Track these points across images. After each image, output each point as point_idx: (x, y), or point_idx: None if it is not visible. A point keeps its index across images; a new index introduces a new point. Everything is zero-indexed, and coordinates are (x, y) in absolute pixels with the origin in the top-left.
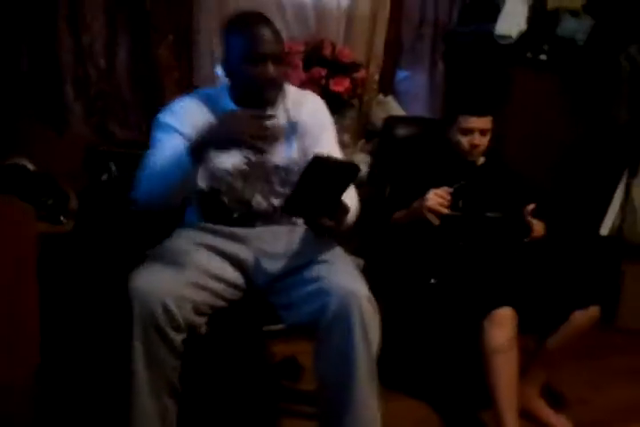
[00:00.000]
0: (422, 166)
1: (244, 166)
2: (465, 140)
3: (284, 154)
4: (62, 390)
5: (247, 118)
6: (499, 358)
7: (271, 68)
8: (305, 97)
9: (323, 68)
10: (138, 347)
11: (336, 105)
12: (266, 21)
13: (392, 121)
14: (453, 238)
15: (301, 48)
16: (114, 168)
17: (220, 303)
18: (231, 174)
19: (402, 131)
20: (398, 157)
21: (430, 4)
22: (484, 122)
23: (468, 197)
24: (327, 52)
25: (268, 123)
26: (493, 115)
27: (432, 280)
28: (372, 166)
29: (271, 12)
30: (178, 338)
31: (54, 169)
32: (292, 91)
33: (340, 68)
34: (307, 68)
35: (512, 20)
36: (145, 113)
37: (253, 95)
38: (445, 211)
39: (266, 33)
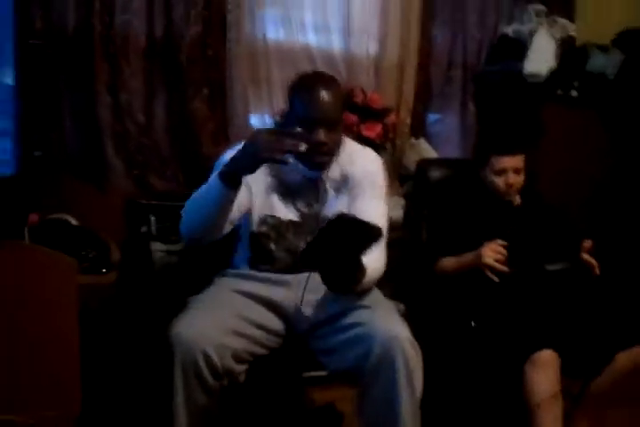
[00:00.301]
0: (459, 208)
1: (297, 218)
2: (500, 181)
3: (333, 207)
4: None
5: (269, 135)
6: (543, 406)
7: (322, 134)
8: (361, 152)
9: (354, 114)
10: (179, 394)
11: None
12: (327, 85)
13: (425, 163)
14: (517, 296)
15: None
16: (153, 219)
17: (261, 351)
18: (283, 223)
19: (435, 173)
20: (433, 199)
21: (458, 47)
22: (516, 161)
23: (521, 247)
24: (358, 99)
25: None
26: (525, 153)
27: (472, 323)
28: (406, 209)
29: (302, 62)
30: (217, 385)
31: (96, 223)
32: (349, 145)
33: (371, 113)
34: None
35: (541, 58)
36: (182, 165)
37: (304, 159)
38: (505, 269)
39: (322, 98)
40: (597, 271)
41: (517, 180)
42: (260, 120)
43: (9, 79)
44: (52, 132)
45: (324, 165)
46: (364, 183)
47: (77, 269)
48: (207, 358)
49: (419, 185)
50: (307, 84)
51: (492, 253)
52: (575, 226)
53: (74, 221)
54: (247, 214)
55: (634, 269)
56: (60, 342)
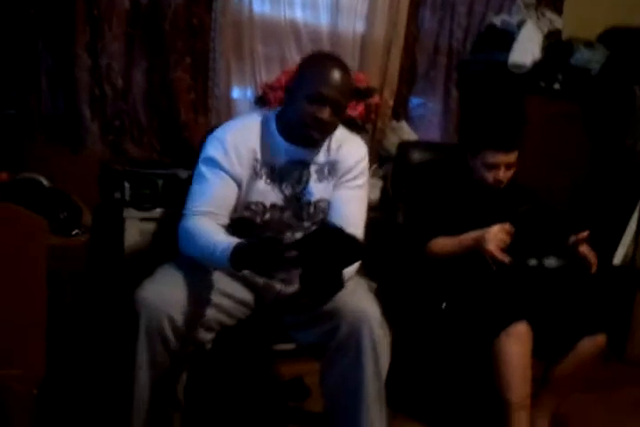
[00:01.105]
0: (441, 191)
1: (280, 202)
2: (489, 175)
3: (315, 191)
4: (66, 401)
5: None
6: (514, 385)
7: (327, 113)
8: (350, 140)
9: None
10: (143, 357)
11: (350, 129)
12: (344, 70)
13: (406, 146)
14: (511, 288)
15: None
16: (127, 186)
17: (228, 320)
18: (267, 208)
19: (416, 155)
20: (414, 181)
21: (445, 33)
22: (510, 157)
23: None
24: None
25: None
26: (519, 149)
27: (443, 305)
28: (383, 190)
29: (287, 37)
30: (183, 351)
31: (69, 186)
32: (340, 132)
33: (354, 93)
34: None
35: (526, 50)
36: (159, 133)
37: (300, 131)
38: (506, 260)
39: (337, 79)
40: (594, 269)
41: (507, 175)
42: (241, 93)
43: None
44: (29, 92)
45: (315, 142)
46: (349, 173)
47: (47, 229)
48: (172, 322)
49: (399, 166)
50: (324, 62)
51: (497, 239)
52: (565, 216)
53: (46, 182)
54: None
55: (606, 260)
56: (27, 300)
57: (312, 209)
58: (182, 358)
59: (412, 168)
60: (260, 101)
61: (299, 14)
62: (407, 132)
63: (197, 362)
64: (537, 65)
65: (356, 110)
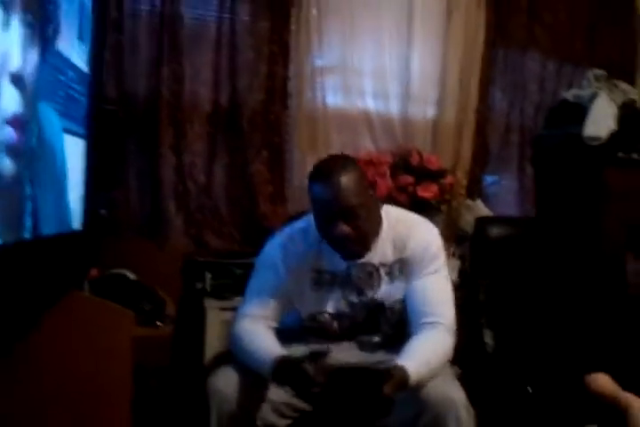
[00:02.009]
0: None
1: (347, 309)
2: None
3: (390, 293)
4: None
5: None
6: None
7: (342, 227)
8: (415, 230)
9: (410, 175)
10: None
11: (424, 211)
12: (338, 173)
13: (483, 221)
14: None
15: (388, 158)
16: (209, 276)
17: (302, 405)
18: (334, 317)
19: (495, 231)
20: (493, 259)
21: (516, 111)
22: None
23: None
24: (414, 160)
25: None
26: None
27: (529, 389)
28: (461, 271)
29: (360, 127)
30: None
31: (154, 279)
32: (402, 224)
33: (427, 174)
34: (394, 176)
35: (601, 121)
36: (239, 224)
37: (340, 251)
38: None
39: (334, 190)
40: None
41: None
42: None
43: (83, 140)
44: (117, 191)
45: (357, 254)
46: (420, 264)
47: (133, 321)
48: (242, 407)
49: (477, 243)
50: (317, 178)
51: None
52: None
53: (132, 276)
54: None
55: None
56: (114, 391)
57: (389, 313)
58: None
59: (491, 244)
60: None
61: (370, 104)
62: (482, 211)
63: None
64: (614, 136)
65: (429, 191)
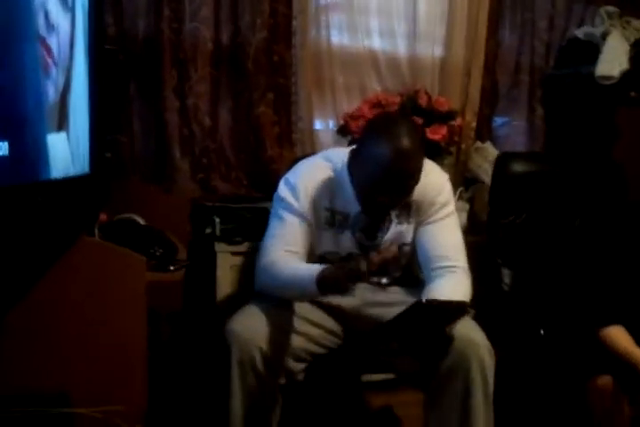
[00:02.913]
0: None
1: (357, 251)
2: None
3: (397, 236)
4: None
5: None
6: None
7: (388, 200)
8: (427, 172)
9: (419, 117)
10: (236, 387)
11: (434, 153)
12: (413, 149)
13: (507, 157)
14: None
15: (397, 99)
16: (218, 221)
17: (319, 350)
18: (344, 258)
19: (518, 167)
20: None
21: (526, 50)
22: None
23: None
24: (423, 101)
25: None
26: None
27: (541, 331)
28: (470, 214)
29: (366, 66)
30: (275, 381)
31: (162, 224)
32: None
33: (436, 116)
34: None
35: (613, 60)
36: (246, 168)
37: (365, 206)
38: None
39: (400, 179)
40: None
41: None
42: (324, 124)
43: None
44: (122, 135)
45: (384, 217)
46: (431, 209)
47: (145, 266)
48: (262, 352)
49: (499, 180)
50: (391, 155)
51: None
52: None
53: (141, 221)
54: None
55: None
56: (129, 337)
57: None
58: (274, 389)
59: (513, 180)
60: (343, 131)
61: (377, 43)
62: (492, 153)
63: (290, 394)
64: (626, 75)
65: (438, 134)
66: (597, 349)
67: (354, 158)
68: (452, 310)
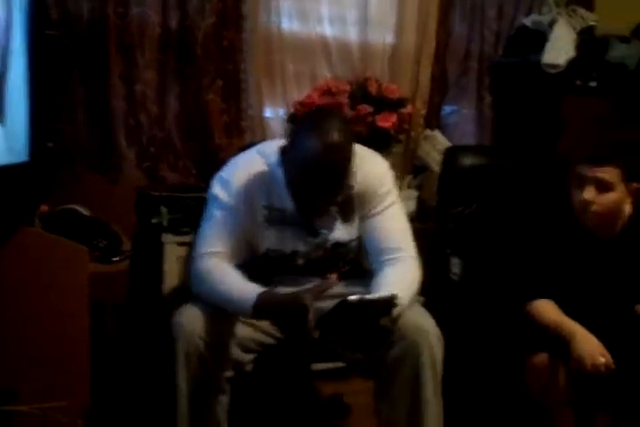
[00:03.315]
0: (534, 219)
1: (302, 248)
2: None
3: (343, 231)
4: None
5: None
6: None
7: (321, 198)
8: (362, 164)
9: (369, 104)
10: (182, 385)
11: (383, 141)
12: (339, 142)
13: (454, 150)
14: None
15: (347, 87)
16: (165, 211)
17: (268, 340)
18: (286, 254)
19: (467, 160)
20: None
21: (476, 38)
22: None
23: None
24: (373, 89)
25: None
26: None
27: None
28: (419, 201)
29: (317, 53)
30: (221, 373)
31: (108, 214)
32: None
33: (386, 104)
34: (353, 105)
35: (560, 49)
36: (194, 157)
37: (300, 203)
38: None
39: (330, 174)
40: None
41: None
42: (274, 112)
43: (22, 69)
44: (66, 123)
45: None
46: (375, 200)
47: (88, 257)
48: (208, 344)
49: (447, 172)
50: (318, 149)
51: (594, 358)
52: None
53: (85, 212)
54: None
55: None
56: (71, 329)
57: (344, 251)
58: (221, 380)
59: (462, 173)
60: (293, 119)
61: (327, 30)
62: (441, 142)
63: (239, 384)
64: (572, 63)
65: (388, 121)
66: (532, 326)
67: (284, 155)
68: (380, 306)
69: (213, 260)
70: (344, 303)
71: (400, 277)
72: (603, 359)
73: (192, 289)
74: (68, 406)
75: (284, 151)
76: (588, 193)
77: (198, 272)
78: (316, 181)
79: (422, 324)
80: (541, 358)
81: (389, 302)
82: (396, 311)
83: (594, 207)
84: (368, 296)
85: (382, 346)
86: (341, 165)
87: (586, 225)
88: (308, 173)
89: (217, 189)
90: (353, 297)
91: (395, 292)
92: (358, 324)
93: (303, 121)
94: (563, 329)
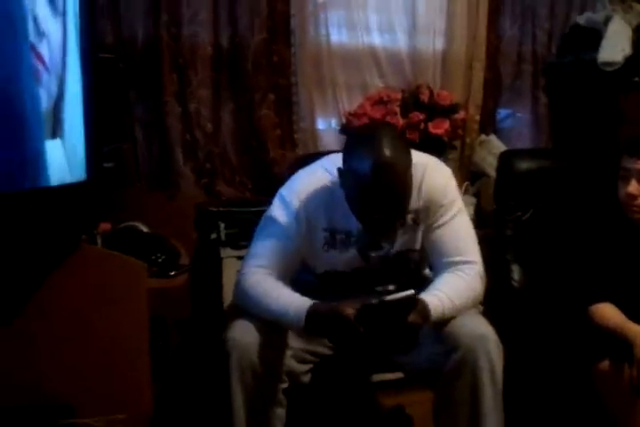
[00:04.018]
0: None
1: (361, 264)
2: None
3: (404, 245)
4: None
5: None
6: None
7: (385, 218)
8: (426, 174)
9: (421, 112)
10: (238, 398)
11: (437, 148)
12: (393, 173)
13: (509, 154)
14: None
15: (398, 95)
16: (222, 226)
17: (324, 350)
18: (347, 274)
19: (523, 165)
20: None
21: (527, 39)
22: None
23: None
24: (424, 96)
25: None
26: None
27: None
28: (477, 208)
29: (366, 62)
30: (277, 385)
31: (167, 230)
32: (414, 169)
33: (438, 111)
34: (405, 113)
35: (616, 46)
36: (250, 172)
37: (365, 224)
38: None
39: (390, 195)
40: None
41: None
42: (326, 123)
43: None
44: (124, 143)
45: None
46: (440, 211)
47: (146, 272)
48: (262, 359)
49: (503, 177)
50: (374, 175)
51: None
52: None
53: (145, 229)
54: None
55: None
56: (131, 343)
57: (405, 263)
58: (277, 392)
59: (518, 178)
60: (345, 130)
61: (376, 39)
62: (497, 146)
63: (296, 396)
64: (629, 60)
65: (440, 128)
66: (595, 332)
67: (341, 177)
68: (402, 305)
69: (259, 275)
70: (366, 307)
71: (451, 280)
72: None
73: (239, 303)
74: (128, 419)
75: (340, 174)
76: (632, 186)
77: (244, 290)
78: (377, 204)
79: (480, 331)
80: (604, 365)
81: (409, 300)
82: (433, 316)
83: (638, 201)
84: (388, 297)
85: (416, 342)
86: (400, 184)
87: (633, 219)
88: (366, 197)
89: (276, 210)
90: (373, 300)
91: (412, 291)
92: (385, 324)
93: (355, 139)
94: (626, 332)
